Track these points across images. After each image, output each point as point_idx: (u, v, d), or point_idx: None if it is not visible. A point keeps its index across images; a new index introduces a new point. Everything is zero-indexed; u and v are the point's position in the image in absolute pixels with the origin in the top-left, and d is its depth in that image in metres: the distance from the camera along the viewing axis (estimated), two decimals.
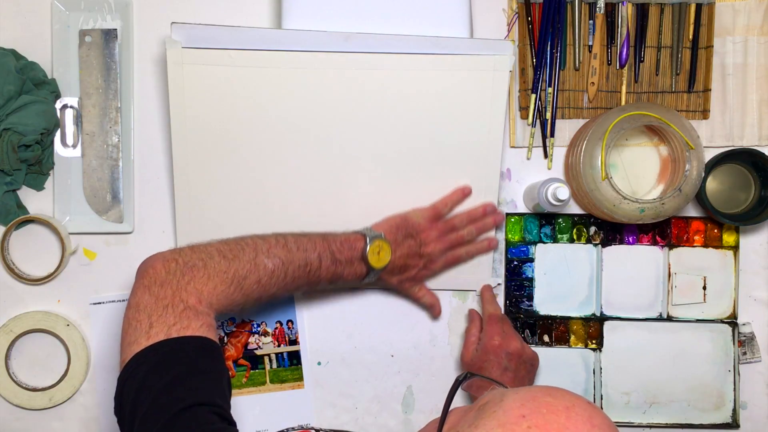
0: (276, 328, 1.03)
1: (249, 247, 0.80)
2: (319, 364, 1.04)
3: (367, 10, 0.96)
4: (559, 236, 1.04)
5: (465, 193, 0.99)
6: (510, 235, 1.04)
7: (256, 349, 1.03)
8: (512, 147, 1.04)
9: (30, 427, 1.02)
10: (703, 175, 0.96)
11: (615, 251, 1.04)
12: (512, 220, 1.04)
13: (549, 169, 1.04)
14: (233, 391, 1.02)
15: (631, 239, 1.04)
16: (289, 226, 0.98)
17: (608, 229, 1.04)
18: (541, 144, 1.04)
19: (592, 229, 1.04)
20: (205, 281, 0.75)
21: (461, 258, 1.00)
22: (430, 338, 1.04)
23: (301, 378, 1.03)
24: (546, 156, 1.04)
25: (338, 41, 0.93)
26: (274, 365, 1.03)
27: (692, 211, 1.05)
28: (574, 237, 1.04)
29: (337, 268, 0.87)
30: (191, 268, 0.75)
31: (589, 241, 1.04)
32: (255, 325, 1.03)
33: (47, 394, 1.01)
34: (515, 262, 1.04)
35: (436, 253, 0.96)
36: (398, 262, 0.93)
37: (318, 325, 1.04)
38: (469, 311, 1.03)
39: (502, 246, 1.04)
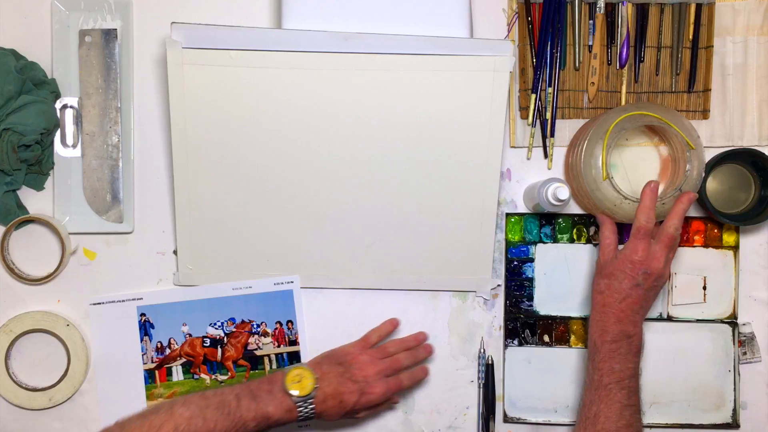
0: (276, 329, 1.03)
1: (167, 402, 0.83)
2: None
3: (367, 10, 0.96)
4: (559, 236, 1.04)
5: (394, 324, 1.00)
6: (510, 235, 1.04)
7: (256, 349, 1.03)
8: (512, 147, 1.04)
9: (30, 427, 1.02)
10: (704, 175, 0.96)
11: None
12: (512, 220, 1.04)
13: (549, 169, 1.04)
14: None
15: None
16: (289, 225, 0.99)
17: None
18: (541, 144, 1.04)
19: (592, 229, 1.04)
20: None
21: (403, 383, 0.95)
22: (430, 338, 1.04)
23: None
24: (546, 156, 1.04)
25: (338, 41, 0.93)
26: (274, 366, 1.03)
27: (692, 211, 1.05)
28: (574, 237, 1.04)
29: (259, 405, 0.85)
30: None
31: (589, 241, 1.04)
32: (255, 326, 1.03)
33: (47, 394, 1.01)
34: (515, 262, 1.04)
35: (371, 376, 0.92)
36: (328, 389, 0.89)
37: (318, 325, 1.04)
38: (598, 216, 0.97)
39: (502, 246, 1.04)
